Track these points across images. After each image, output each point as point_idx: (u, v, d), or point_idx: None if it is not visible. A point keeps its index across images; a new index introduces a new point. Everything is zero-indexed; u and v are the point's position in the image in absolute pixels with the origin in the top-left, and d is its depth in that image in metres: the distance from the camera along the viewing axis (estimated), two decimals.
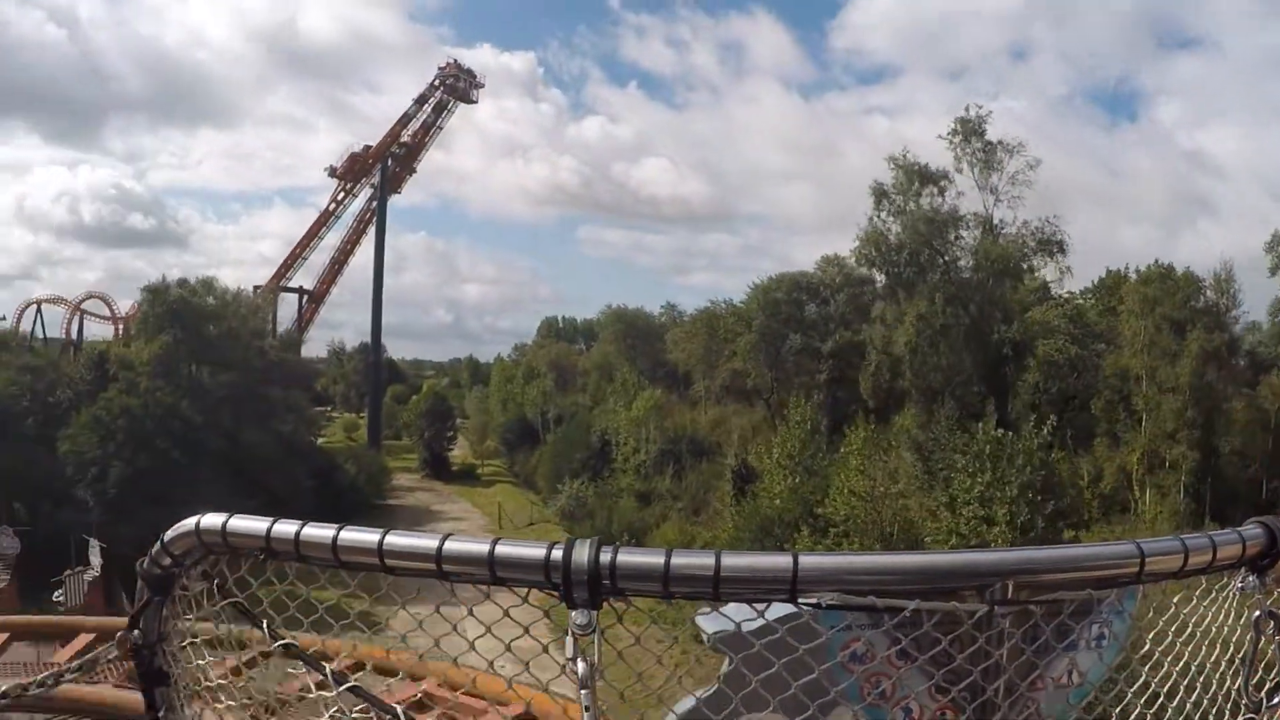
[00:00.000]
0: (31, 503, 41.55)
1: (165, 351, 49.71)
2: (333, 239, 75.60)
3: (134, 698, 1.96)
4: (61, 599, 29.11)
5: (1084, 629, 1.49)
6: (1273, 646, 1.68)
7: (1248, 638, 1.72)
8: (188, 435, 45.72)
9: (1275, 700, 1.69)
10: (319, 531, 1.61)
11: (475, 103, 77.35)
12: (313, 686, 1.90)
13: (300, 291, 74.79)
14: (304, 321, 74.70)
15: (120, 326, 64.24)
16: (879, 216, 45.59)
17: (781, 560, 1.32)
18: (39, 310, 68.62)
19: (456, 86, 74.55)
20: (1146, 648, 1.62)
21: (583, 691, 1.42)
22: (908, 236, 44.44)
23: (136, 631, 1.93)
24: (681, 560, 1.33)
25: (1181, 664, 1.69)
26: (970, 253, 45.20)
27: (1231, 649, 1.74)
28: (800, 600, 1.33)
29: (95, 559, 33.33)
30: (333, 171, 74.47)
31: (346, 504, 53.06)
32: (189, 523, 1.76)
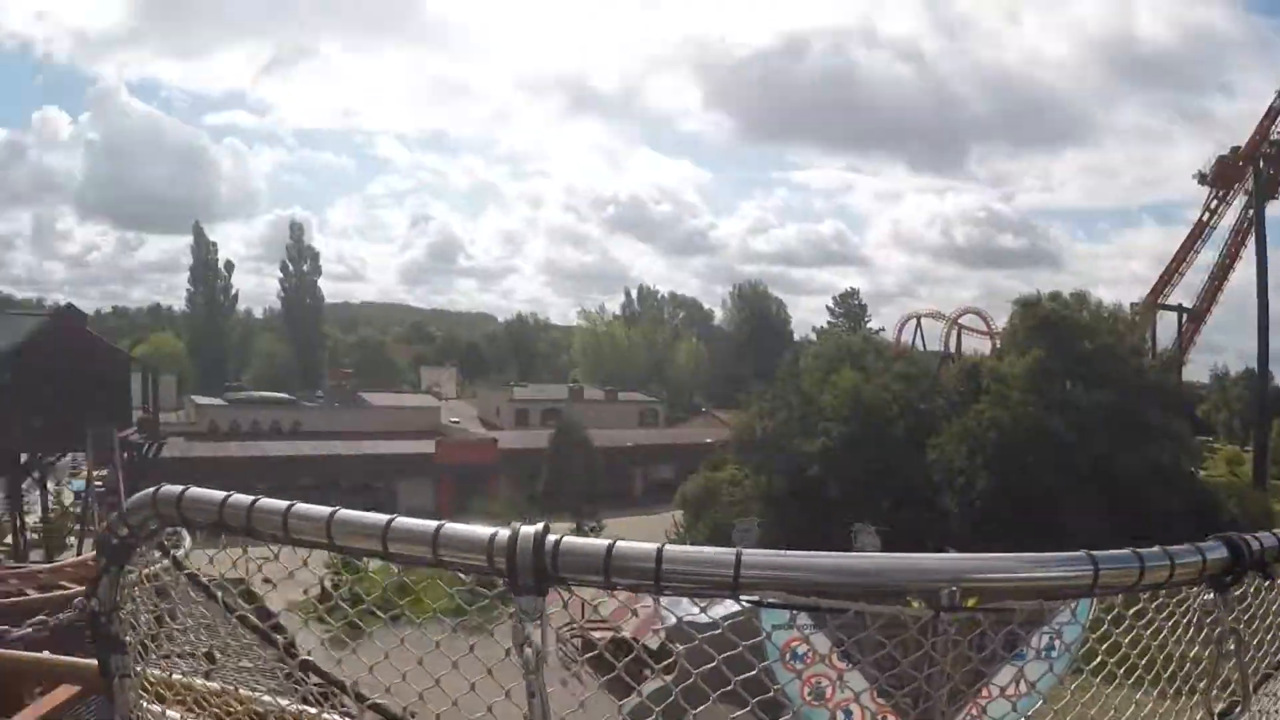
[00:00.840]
0: (895, 504, 41.71)
1: (1037, 366, 47.31)
2: (1209, 255, 66.74)
3: None
4: None
5: (1034, 638, 1.47)
6: (1230, 664, 1.66)
7: (1206, 654, 1.70)
8: (1058, 453, 43.37)
9: (1230, 719, 1.67)
10: (272, 505, 1.61)
11: None
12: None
13: (1179, 310, 67.09)
14: (1184, 342, 67.18)
15: (995, 341, 62.31)
16: None
17: (724, 555, 1.30)
18: (918, 324, 70.32)
19: None
20: (1098, 660, 1.60)
21: (530, 678, 1.41)
22: None
23: (94, 600, 1.94)
24: (623, 548, 1.32)
25: (1135, 677, 1.68)
26: None
27: (1189, 665, 1.72)
28: (742, 597, 1.32)
29: None
30: (1203, 178, 65.76)
31: None
32: (146, 493, 1.77)
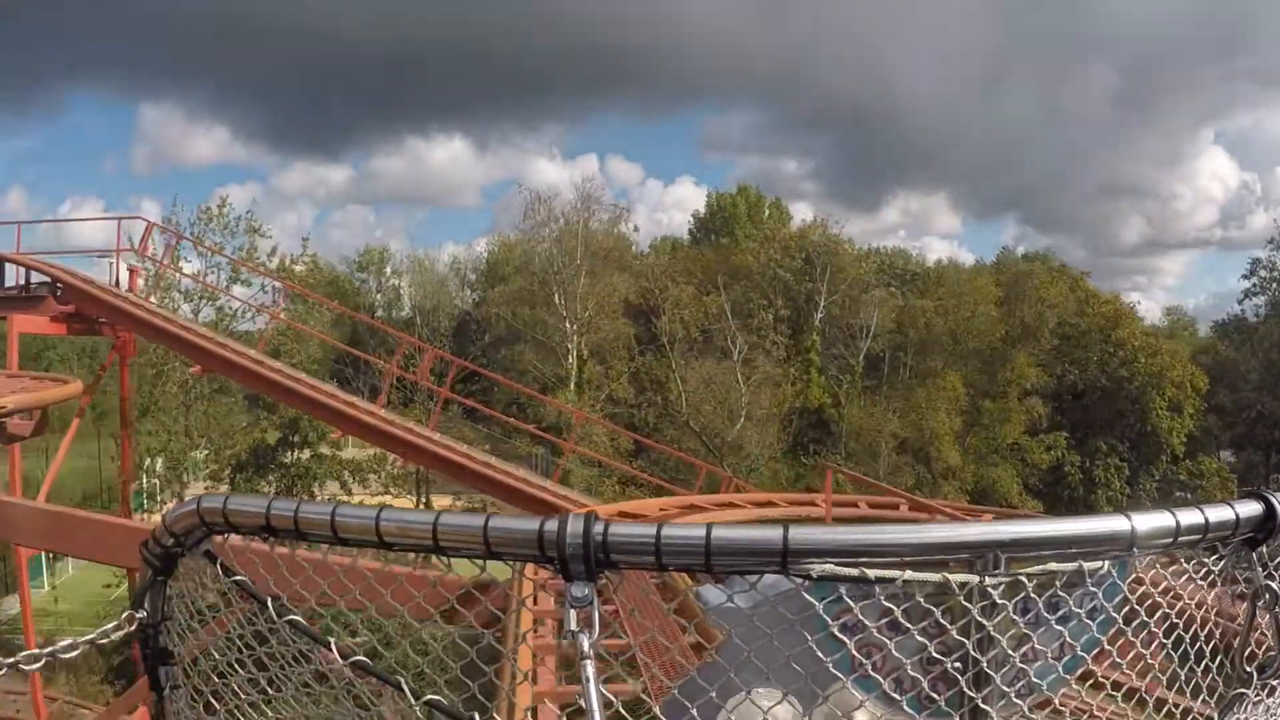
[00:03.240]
0: None
1: None
2: None
3: None
4: None
5: (1076, 600, 1.50)
6: (1266, 619, 1.68)
7: (1241, 609, 1.72)
8: None
9: (1267, 673, 1.70)
10: (317, 509, 1.63)
11: None
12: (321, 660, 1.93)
13: None
14: None
15: None
16: None
17: (772, 533, 1.33)
18: None
19: None
20: (1139, 619, 1.63)
21: (585, 663, 1.44)
22: None
23: (143, 611, 1.96)
24: (672, 532, 1.35)
25: (1174, 636, 1.70)
26: None
27: (1224, 622, 1.75)
28: (791, 572, 1.34)
29: None
30: None
31: None
32: (190, 502, 1.79)
